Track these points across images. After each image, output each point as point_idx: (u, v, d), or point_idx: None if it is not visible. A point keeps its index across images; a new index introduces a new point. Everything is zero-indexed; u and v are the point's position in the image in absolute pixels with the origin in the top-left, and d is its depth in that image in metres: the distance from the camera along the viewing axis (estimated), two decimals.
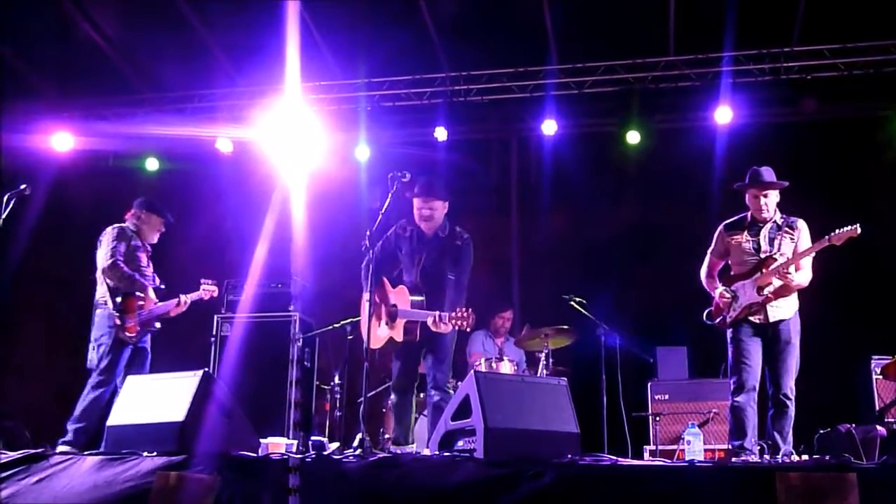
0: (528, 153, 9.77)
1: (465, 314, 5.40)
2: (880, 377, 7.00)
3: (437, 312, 5.49)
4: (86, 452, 4.53)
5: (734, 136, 8.56)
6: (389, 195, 5.51)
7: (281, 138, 8.57)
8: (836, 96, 8.61)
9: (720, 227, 5.90)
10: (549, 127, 9.01)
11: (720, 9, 7.86)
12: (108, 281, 6.50)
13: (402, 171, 5.45)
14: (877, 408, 6.97)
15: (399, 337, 5.66)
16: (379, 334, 5.78)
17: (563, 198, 9.35)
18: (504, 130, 9.80)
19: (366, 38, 8.79)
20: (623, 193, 9.29)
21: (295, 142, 8.41)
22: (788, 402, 5.43)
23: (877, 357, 7.12)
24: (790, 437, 5.46)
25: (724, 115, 8.52)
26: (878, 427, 6.52)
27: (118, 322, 6.39)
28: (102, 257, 6.53)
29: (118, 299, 6.45)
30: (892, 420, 6.72)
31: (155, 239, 6.86)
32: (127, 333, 6.42)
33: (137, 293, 6.54)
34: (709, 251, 5.98)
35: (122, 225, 6.70)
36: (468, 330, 5.52)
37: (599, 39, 8.66)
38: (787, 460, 5.01)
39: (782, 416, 5.43)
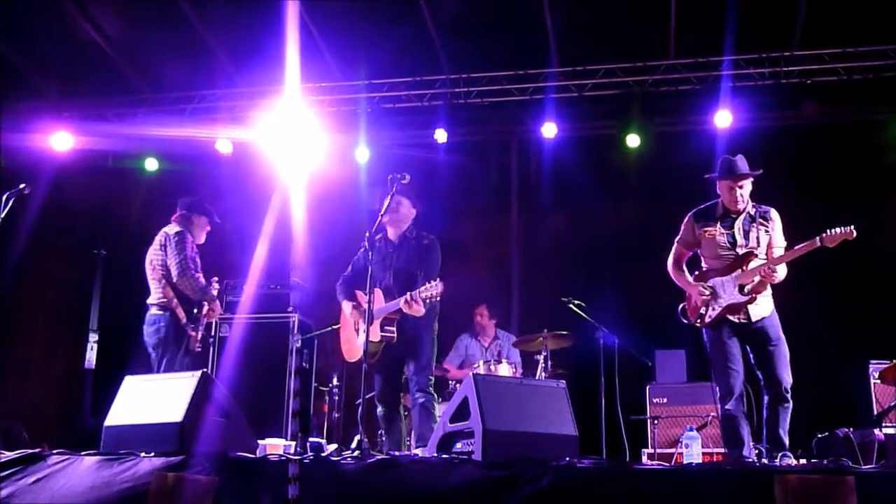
0: (528, 156, 9.78)
1: (431, 285, 5.43)
2: (878, 382, 6.99)
3: (408, 293, 5.52)
4: (83, 453, 4.52)
5: (734, 140, 8.54)
6: (389, 197, 5.52)
7: (281, 139, 8.57)
8: (835, 100, 8.63)
9: (689, 216, 5.61)
10: (549, 130, 9.01)
11: (721, 12, 7.86)
12: (176, 288, 6.44)
13: (401, 172, 5.46)
14: (875, 412, 6.97)
15: (376, 336, 5.67)
16: (357, 343, 5.85)
17: (563, 200, 9.36)
18: (504, 133, 9.81)
19: (366, 40, 8.79)
20: (622, 197, 9.29)
21: (295, 143, 8.41)
22: (789, 397, 5.18)
23: (875, 362, 7.11)
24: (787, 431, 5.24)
25: (723, 118, 8.53)
26: (876, 431, 6.53)
27: (192, 333, 6.42)
28: (173, 265, 6.43)
29: (195, 311, 6.47)
30: (890, 424, 6.72)
31: (202, 240, 6.79)
32: (198, 345, 6.49)
33: (205, 303, 6.57)
34: (675, 240, 5.66)
35: (181, 229, 6.60)
36: (438, 300, 5.49)
37: (600, 42, 8.67)
38: (789, 463, 4.92)
39: (784, 413, 5.18)
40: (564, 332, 7.46)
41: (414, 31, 8.59)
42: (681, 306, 5.62)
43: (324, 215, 8.49)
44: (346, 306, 6.06)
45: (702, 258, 5.61)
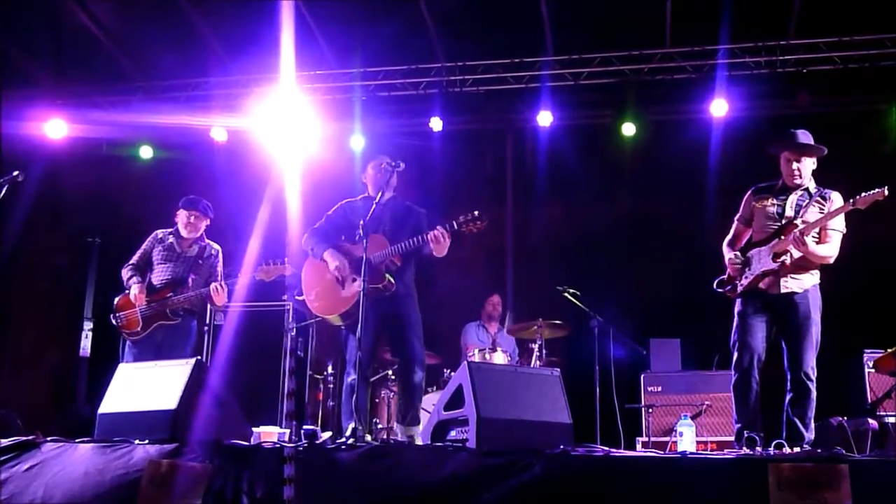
0: (524, 144, 9.76)
1: (472, 215, 5.20)
2: (872, 371, 7.00)
3: (445, 224, 5.21)
4: (77, 440, 4.52)
5: (729, 129, 8.56)
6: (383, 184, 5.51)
7: (276, 127, 8.55)
8: (831, 90, 8.61)
9: (749, 192, 5.48)
10: (545, 118, 8.99)
11: (717, 1, 7.84)
12: None
13: (396, 160, 5.44)
14: (869, 401, 6.99)
15: (376, 284, 5.32)
16: (344, 295, 5.45)
17: (558, 189, 9.36)
18: (499, 121, 9.78)
19: (361, 28, 8.76)
20: (618, 186, 9.30)
21: (290, 131, 8.39)
22: (809, 383, 5.04)
23: (869, 350, 7.12)
24: (812, 425, 5.07)
25: (719, 107, 8.52)
26: (870, 420, 6.55)
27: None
28: None
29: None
30: (884, 413, 6.74)
31: (187, 233, 6.80)
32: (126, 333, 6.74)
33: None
34: (735, 218, 5.54)
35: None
36: (476, 231, 5.21)
37: (595, 30, 8.65)
38: (783, 451, 4.87)
39: (803, 400, 5.04)
40: (559, 322, 7.46)
41: (409, 18, 8.55)
42: (719, 278, 5.48)
43: (318, 203, 8.46)
44: (331, 256, 5.55)
45: (752, 232, 5.46)
